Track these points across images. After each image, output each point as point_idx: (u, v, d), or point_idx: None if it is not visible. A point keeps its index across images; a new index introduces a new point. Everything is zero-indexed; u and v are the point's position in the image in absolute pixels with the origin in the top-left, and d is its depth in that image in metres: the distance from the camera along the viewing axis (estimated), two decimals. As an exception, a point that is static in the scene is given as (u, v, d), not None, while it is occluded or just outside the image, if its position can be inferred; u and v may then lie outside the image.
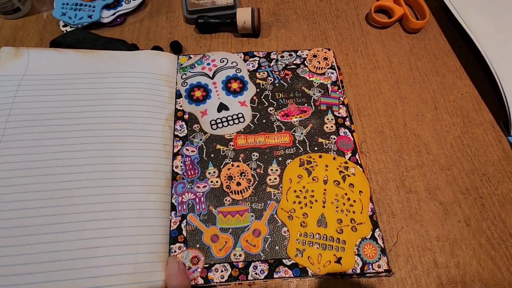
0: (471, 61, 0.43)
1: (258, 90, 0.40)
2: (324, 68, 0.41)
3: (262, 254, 0.30)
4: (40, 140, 0.33)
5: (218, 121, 0.37)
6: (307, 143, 0.36)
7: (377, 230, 0.31)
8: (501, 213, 0.33)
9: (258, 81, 0.40)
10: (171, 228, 0.31)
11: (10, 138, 0.33)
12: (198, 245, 0.30)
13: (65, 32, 0.44)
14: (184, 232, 0.31)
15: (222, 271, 0.29)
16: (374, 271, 0.29)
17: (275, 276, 0.29)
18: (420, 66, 0.43)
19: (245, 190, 0.33)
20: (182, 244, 0.30)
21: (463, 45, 0.45)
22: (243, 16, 0.43)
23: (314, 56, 0.42)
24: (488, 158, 0.36)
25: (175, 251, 0.30)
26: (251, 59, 0.42)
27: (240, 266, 0.29)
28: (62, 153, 0.33)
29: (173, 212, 0.32)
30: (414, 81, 0.42)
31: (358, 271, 0.29)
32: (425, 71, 0.43)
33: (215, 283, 0.29)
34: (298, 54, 0.42)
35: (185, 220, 0.32)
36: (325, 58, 0.42)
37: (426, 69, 0.43)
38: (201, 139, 0.36)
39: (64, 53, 0.39)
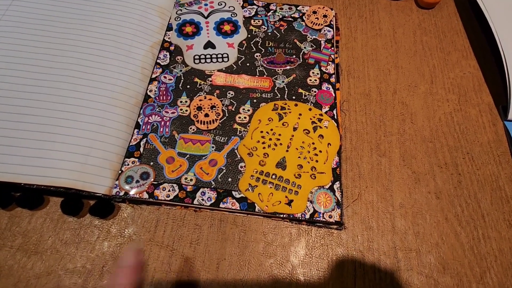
0: (482, 43, 0.40)
1: (249, 35, 0.39)
2: (322, 24, 0.40)
3: (213, 183, 0.29)
4: (33, 35, 0.35)
5: (202, 57, 0.37)
6: (286, 91, 0.35)
7: (337, 183, 0.30)
8: (477, 193, 0.31)
9: (251, 27, 0.40)
10: (130, 143, 0.31)
11: (6, 24, 0.35)
12: (152, 163, 0.30)
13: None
14: (141, 149, 0.31)
15: (169, 190, 0.29)
16: (324, 220, 0.28)
17: (221, 205, 0.28)
18: (425, 40, 0.41)
19: (212, 122, 0.32)
20: (136, 159, 0.30)
21: (476, 26, 0.42)
22: (250, -37, 0.42)
23: (314, 12, 0.41)
24: (477, 138, 0.34)
25: (128, 164, 0.30)
26: (249, 6, 0.41)
27: (188, 190, 0.29)
28: (49, 49, 0.34)
29: (136, 130, 0.32)
30: (415, 53, 0.40)
31: (308, 216, 0.28)
32: (429, 46, 0.40)
33: (159, 200, 0.28)
34: (298, 8, 0.41)
35: (145, 139, 0.31)
36: (325, 16, 0.40)
37: (431, 44, 0.40)
38: (181, 70, 0.36)
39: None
